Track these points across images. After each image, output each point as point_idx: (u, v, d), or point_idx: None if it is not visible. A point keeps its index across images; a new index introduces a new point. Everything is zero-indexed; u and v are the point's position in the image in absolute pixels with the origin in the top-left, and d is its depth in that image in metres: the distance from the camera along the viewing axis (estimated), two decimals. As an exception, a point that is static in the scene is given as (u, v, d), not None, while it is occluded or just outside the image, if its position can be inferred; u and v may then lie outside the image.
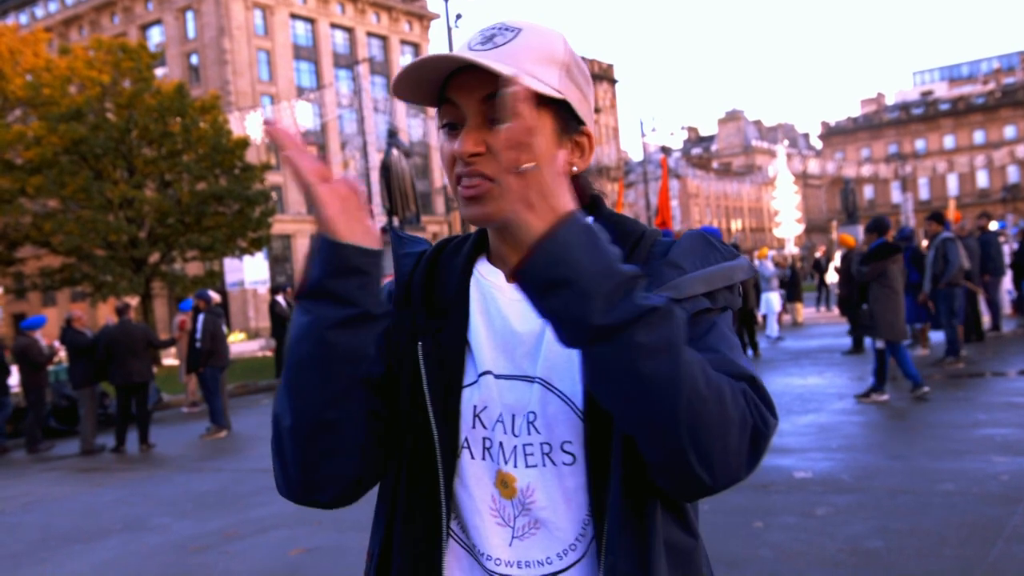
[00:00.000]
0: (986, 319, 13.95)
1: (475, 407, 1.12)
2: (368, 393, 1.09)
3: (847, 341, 13.68)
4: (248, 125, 31.13)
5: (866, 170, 70.12)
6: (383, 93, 41.82)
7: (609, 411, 1.01)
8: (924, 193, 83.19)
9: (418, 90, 1.13)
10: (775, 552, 4.65)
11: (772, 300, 17.04)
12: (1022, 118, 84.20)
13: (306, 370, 1.05)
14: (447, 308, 1.16)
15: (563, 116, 1.12)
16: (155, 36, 54.58)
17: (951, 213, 15.03)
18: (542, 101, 1.07)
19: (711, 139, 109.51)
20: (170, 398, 15.82)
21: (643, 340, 0.90)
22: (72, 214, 27.73)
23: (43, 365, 11.90)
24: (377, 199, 23.25)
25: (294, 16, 55.23)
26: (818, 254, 28.42)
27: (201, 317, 11.56)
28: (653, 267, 1.10)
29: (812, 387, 10.47)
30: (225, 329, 12.29)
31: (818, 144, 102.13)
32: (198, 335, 11.51)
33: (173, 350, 18.51)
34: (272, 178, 43.40)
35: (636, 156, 71.13)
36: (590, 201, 1.23)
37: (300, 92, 48.45)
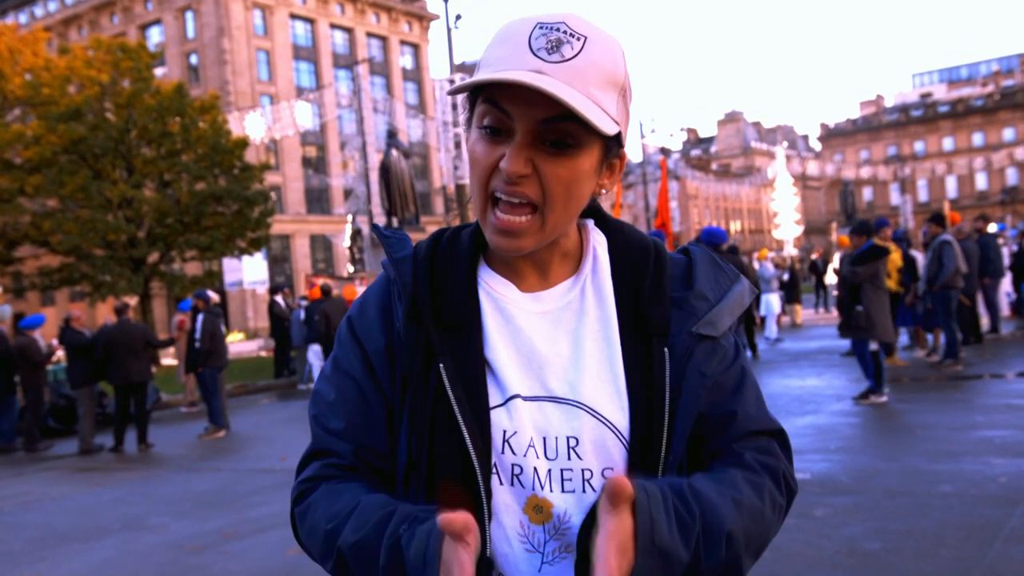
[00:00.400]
0: (984, 321, 13.96)
1: (504, 432, 1.07)
2: None
3: (845, 343, 13.67)
4: (247, 125, 31.12)
5: (865, 172, 70.11)
6: (382, 93, 41.86)
7: (654, 438, 1.08)
8: (923, 195, 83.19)
9: (487, 71, 1.03)
10: (773, 553, 4.65)
11: (771, 302, 17.05)
12: (1021, 120, 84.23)
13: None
14: (458, 324, 1.11)
15: (610, 145, 1.08)
16: (154, 36, 54.57)
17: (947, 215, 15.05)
18: (595, 133, 1.03)
19: (710, 140, 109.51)
20: (169, 398, 15.82)
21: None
22: (71, 214, 27.70)
23: (42, 364, 11.89)
24: (376, 199, 23.24)
25: (294, 16, 55.23)
26: (814, 256, 28.44)
27: (200, 317, 11.57)
28: (682, 296, 1.13)
29: (810, 388, 10.47)
30: (224, 329, 12.30)
31: (817, 146, 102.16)
32: (197, 335, 11.51)
33: (172, 350, 18.51)
34: (271, 178, 43.45)
35: (635, 157, 71.12)
36: (591, 210, 1.22)
37: (299, 92, 48.39)
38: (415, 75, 62.29)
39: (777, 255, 32.95)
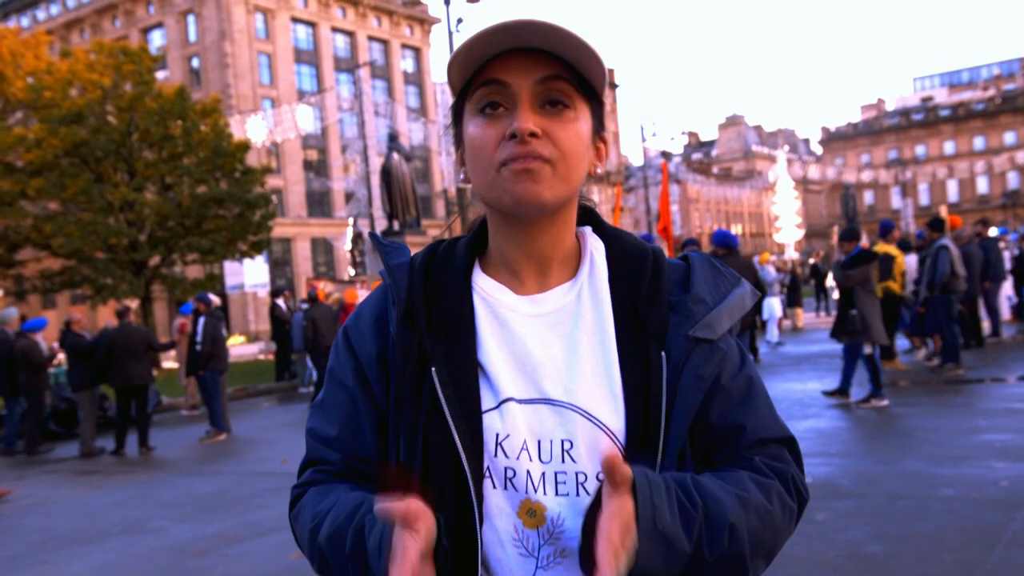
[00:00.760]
0: (986, 325, 13.96)
1: (497, 435, 1.07)
2: None
3: (847, 346, 13.66)
4: (249, 128, 31.15)
5: (866, 175, 70.12)
6: (384, 97, 41.87)
7: (650, 441, 1.08)
8: (924, 199, 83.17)
9: (465, 68, 1.08)
10: (776, 557, 4.64)
11: (773, 305, 17.06)
12: (1022, 124, 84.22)
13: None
14: (452, 329, 1.11)
15: (597, 115, 1.13)
16: (156, 39, 54.63)
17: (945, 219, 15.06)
18: (588, 95, 1.09)
19: (711, 144, 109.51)
20: (170, 401, 15.82)
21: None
22: (72, 217, 27.71)
23: (44, 367, 11.90)
24: (378, 203, 23.26)
25: (295, 20, 55.29)
26: (813, 260, 28.43)
27: (201, 320, 11.57)
28: (679, 300, 1.13)
29: (812, 392, 10.46)
30: (225, 332, 12.30)
31: (818, 149, 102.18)
32: (198, 338, 11.51)
33: (173, 353, 18.51)
34: (272, 181, 43.48)
35: (637, 161, 71.11)
36: (586, 214, 1.23)
37: (301, 96, 48.46)
38: (416, 79, 62.34)
39: (778, 259, 32.92)
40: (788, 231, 51.81)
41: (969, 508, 5.28)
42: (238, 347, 29.88)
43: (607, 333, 1.11)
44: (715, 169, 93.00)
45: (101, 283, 28.43)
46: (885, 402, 9.06)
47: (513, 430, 1.07)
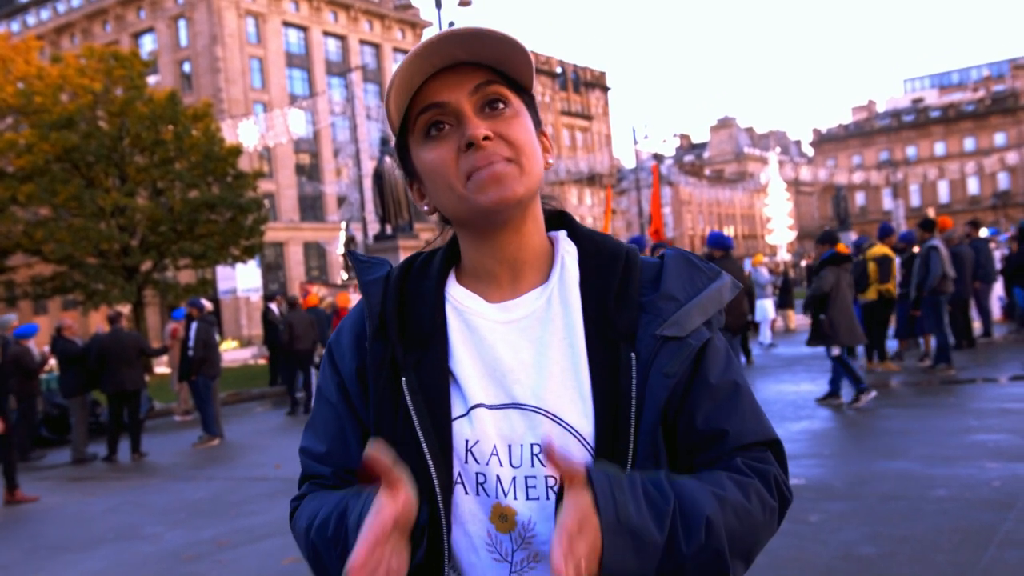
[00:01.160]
0: (977, 325, 14.00)
1: (467, 441, 1.09)
2: None
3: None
4: (240, 133, 31.10)
5: (857, 177, 70.39)
6: (376, 101, 41.85)
7: (620, 443, 1.07)
8: (915, 200, 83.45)
9: (400, 100, 1.10)
10: (769, 559, 4.65)
11: (766, 307, 17.10)
12: (1012, 125, 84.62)
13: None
14: (425, 339, 1.13)
15: (533, 110, 1.15)
16: (147, 44, 54.49)
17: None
18: (520, 91, 1.12)
19: (703, 146, 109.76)
20: (162, 406, 15.77)
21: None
22: (64, 222, 27.60)
23: (36, 373, 11.85)
24: (370, 207, 23.24)
25: (287, 24, 55.24)
26: (806, 261, 28.53)
27: (194, 325, 11.54)
28: (650, 300, 1.12)
29: (805, 394, 10.48)
30: (217, 337, 12.27)
31: (810, 151, 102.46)
32: (190, 343, 11.48)
33: (165, 358, 18.44)
34: (265, 186, 43.39)
35: (629, 163, 71.15)
36: (560, 218, 1.24)
37: (293, 100, 48.43)
38: (408, 82, 62.26)
39: (770, 260, 33.00)
40: (780, 233, 51.98)
41: (962, 508, 5.30)
42: (231, 352, 29.82)
43: (576, 336, 1.11)
44: (707, 171, 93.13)
45: (93, 288, 28.32)
46: (873, 393, 9.23)
47: (483, 435, 1.08)
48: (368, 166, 25.60)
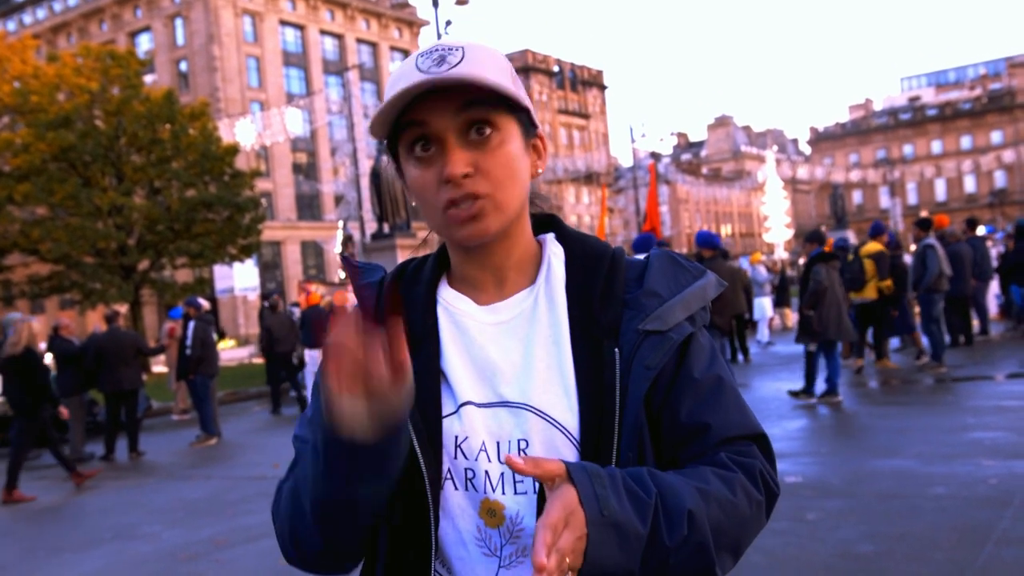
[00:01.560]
0: (974, 323, 14.03)
1: (456, 437, 1.11)
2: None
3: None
4: (237, 132, 31.06)
5: (854, 175, 70.51)
6: (373, 99, 41.86)
7: (604, 437, 1.08)
8: (912, 198, 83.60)
9: (386, 123, 1.11)
10: (767, 558, 4.66)
11: (764, 305, 17.11)
12: (1008, 123, 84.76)
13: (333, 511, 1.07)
14: (417, 341, 1.15)
15: (524, 122, 1.15)
16: (144, 43, 54.43)
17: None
18: (509, 108, 1.12)
19: (700, 145, 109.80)
20: (160, 405, 15.76)
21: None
22: (61, 221, 27.56)
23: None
24: (367, 205, 23.24)
25: (284, 23, 55.20)
26: (803, 259, 28.53)
27: (191, 324, 11.53)
28: (633, 296, 1.15)
29: (802, 392, 10.48)
30: (215, 336, 12.26)
31: (807, 149, 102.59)
32: (188, 342, 11.48)
33: (163, 357, 18.44)
34: (261, 185, 43.33)
35: (626, 162, 71.21)
36: (548, 219, 1.26)
37: (290, 98, 48.42)
38: (405, 81, 62.23)
39: (768, 259, 33.02)
40: (777, 231, 52.03)
41: (959, 506, 5.31)
42: (228, 351, 29.77)
43: (562, 334, 1.14)
44: (704, 169, 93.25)
45: (90, 288, 28.30)
46: (813, 400, 9.56)
47: (471, 432, 1.11)
48: (365, 165, 25.60)
